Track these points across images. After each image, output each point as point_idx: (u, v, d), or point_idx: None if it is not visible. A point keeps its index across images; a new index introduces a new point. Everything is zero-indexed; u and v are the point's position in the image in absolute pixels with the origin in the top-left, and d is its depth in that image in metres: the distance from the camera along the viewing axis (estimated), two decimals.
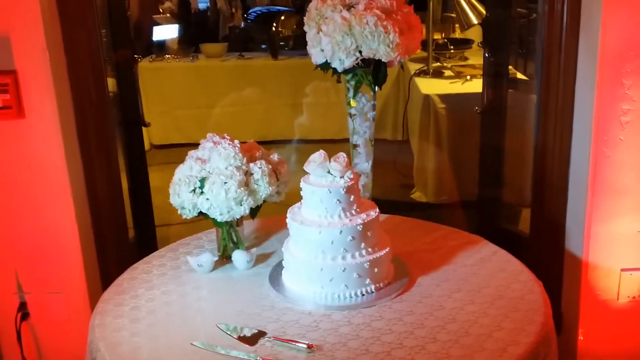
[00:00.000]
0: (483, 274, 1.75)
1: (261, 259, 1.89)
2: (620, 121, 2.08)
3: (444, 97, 4.01)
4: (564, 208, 2.32)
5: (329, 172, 1.67)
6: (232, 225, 1.87)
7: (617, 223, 2.18)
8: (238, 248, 1.87)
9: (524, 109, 2.97)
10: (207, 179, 1.74)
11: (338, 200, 1.63)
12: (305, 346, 1.43)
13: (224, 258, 1.88)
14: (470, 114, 3.24)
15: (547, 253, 2.39)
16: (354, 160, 2.03)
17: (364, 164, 2.03)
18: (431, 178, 4.17)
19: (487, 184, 3.21)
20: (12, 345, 2.33)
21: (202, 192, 1.74)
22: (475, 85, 3.94)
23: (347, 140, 2.06)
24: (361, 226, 1.62)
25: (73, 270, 2.30)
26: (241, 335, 1.51)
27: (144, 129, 2.96)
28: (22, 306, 2.32)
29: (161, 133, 5.30)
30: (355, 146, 2.03)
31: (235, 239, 1.89)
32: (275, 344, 1.46)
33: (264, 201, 1.83)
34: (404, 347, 1.44)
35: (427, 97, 4.06)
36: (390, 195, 4.39)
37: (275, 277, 1.76)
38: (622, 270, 2.21)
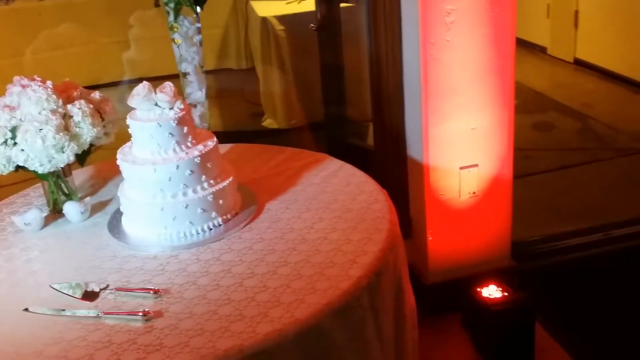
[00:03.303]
0: (330, 190, 1.74)
1: (99, 207, 1.76)
2: (445, 22, 2.10)
3: (282, 19, 3.93)
4: (402, 116, 2.36)
5: (156, 104, 1.55)
6: (59, 176, 1.71)
7: (451, 123, 2.24)
8: (71, 199, 1.73)
9: (358, 22, 2.95)
10: (19, 128, 1.55)
11: (170, 133, 1.53)
12: (151, 292, 1.35)
13: (56, 212, 1.73)
14: (310, 33, 3.18)
15: (392, 162, 2.44)
16: (186, 90, 1.92)
17: (197, 93, 1.93)
18: (279, 103, 4.13)
19: (332, 103, 3.21)
20: None
21: (15, 143, 1.56)
22: (312, 4, 3.87)
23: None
24: (199, 158, 1.53)
25: None
26: (83, 292, 1.39)
27: None
28: None
29: None
30: (185, 74, 1.91)
31: (66, 190, 1.73)
32: (118, 295, 1.36)
33: (92, 145, 1.68)
34: (255, 275, 1.40)
35: (264, 20, 3.96)
36: (241, 125, 4.33)
37: (114, 224, 1.65)
38: (461, 168, 2.31)
